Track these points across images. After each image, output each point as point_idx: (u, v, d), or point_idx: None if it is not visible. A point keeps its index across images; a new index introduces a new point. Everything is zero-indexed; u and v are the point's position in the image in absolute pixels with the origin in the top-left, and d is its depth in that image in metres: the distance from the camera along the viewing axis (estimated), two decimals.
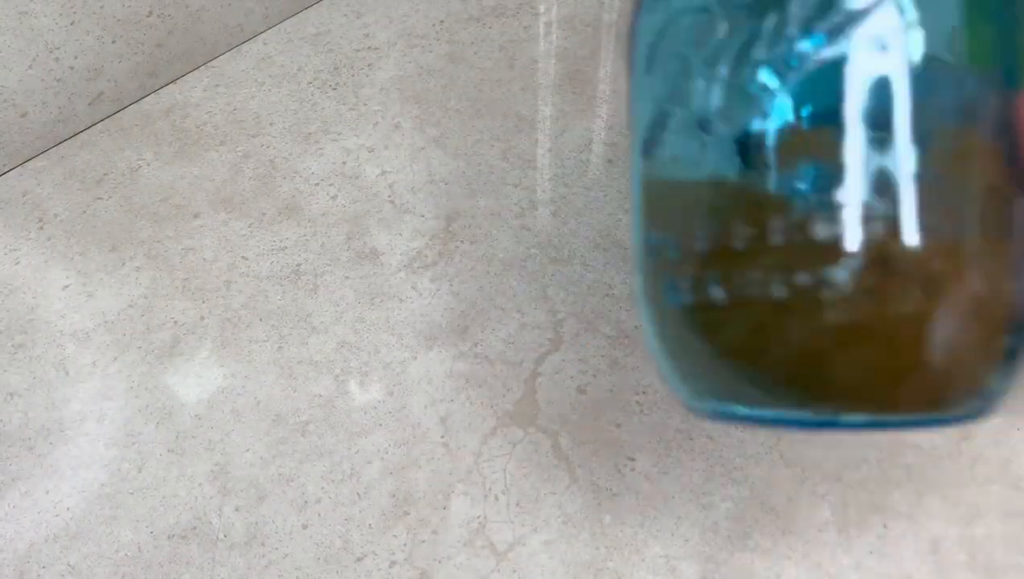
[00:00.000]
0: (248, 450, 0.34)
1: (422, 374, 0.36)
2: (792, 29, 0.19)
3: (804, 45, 0.19)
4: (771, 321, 0.19)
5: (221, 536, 0.32)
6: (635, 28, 0.23)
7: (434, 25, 0.56)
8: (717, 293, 0.20)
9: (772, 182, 0.19)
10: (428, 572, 0.30)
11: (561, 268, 0.41)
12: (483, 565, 0.31)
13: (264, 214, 0.44)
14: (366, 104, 0.50)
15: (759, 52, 0.19)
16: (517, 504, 0.32)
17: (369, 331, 0.38)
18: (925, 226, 0.18)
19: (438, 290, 0.40)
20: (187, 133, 0.49)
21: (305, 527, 0.32)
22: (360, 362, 0.37)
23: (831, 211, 0.18)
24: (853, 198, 0.18)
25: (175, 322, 0.39)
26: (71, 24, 0.46)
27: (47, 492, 0.34)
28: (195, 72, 0.53)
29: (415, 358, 0.37)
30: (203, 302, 0.40)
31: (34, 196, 0.46)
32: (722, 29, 0.20)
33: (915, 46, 0.19)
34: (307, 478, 0.33)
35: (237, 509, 0.33)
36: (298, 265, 0.41)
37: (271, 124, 0.49)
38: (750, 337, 0.20)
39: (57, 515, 0.33)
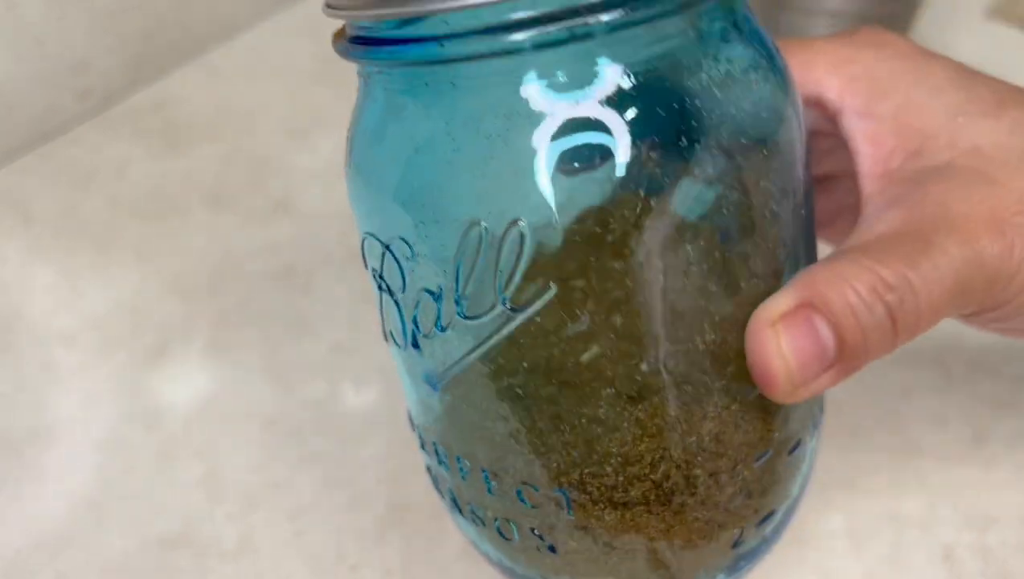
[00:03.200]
0: (239, 455, 0.33)
1: None
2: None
3: None
4: None
5: (212, 544, 0.31)
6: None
7: None
8: None
9: None
10: None
11: None
12: (482, 575, 0.30)
13: (256, 211, 0.43)
14: None
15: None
16: None
17: (364, 332, 0.37)
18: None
19: None
20: (177, 128, 0.48)
21: (297, 535, 0.31)
22: (354, 365, 0.36)
23: None
24: None
25: (164, 323, 0.38)
26: (59, 17, 0.45)
27: (33, 498, 0.33)
28: (185, 65, 0.52)
29: None
30: (193, 302, 0.39)
31: (20, 193, 0.45)
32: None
33: None
34: (300, 485, 0.32)
35: (228, 516, 0.32)
36: (290, 264, 0.40)
37: (263, 118, 0.48)
38: None
39: (44, 521, 0.32)
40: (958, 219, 0.18)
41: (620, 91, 0.17)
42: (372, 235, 0.21)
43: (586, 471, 0.20)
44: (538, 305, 0.18)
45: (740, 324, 0.18)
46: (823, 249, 0.23)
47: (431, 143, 0.19)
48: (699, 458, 0.20)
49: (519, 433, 0.20)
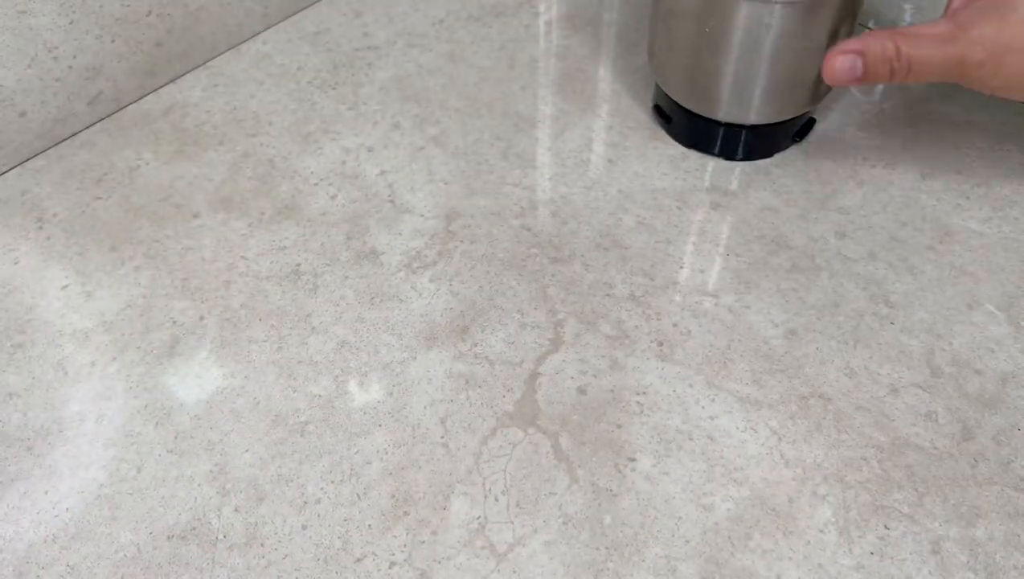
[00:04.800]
0: (247, 450, 0.34)
1: (422, 374, 0.36)
2: None
3: None
4: None
5: (220, 537, 0.32)
6: None
7: (434, 24, 0.56)
8: None
9: None
10: (428, 573, 0.30)
11: (561, 268, 0.41)
12: (483, 566, 0.31)
13: (263, 214, 0.44)
14: (366, 103, 0.50)
15: None
16: (517, 505, 0.32)
17: (369, 331, 0.38)
18: None
19: (438, 290, 0.40)
20: (186, 132, 0.49)
21: (304, 528, 0.32)
22: (360, 362, 0.37)
23: None
24: None
25: (174, 322, 0.39)
26: (70, 23, 0.46)
27: (46, 493, 0.34)
28: (194, 71, 0.53)
29: (415, 358, 0.37)
30: (202, 302, 0.40)
31: (33, 196, 0.46)
32: None
33: None
34: (306, 478, 0.33)
35: (236, 510, 0.33)
36: (297, 265, 0.41)
37: (270, 123, 0.49)
38: None
39: (56, 516, 0.33)
40: (970, 33, 0.35)
41: None
42: None
43: None
44: None
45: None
46: None
47: None
48: None
49: None
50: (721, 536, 0.31)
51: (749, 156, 0.45)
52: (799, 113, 0.44)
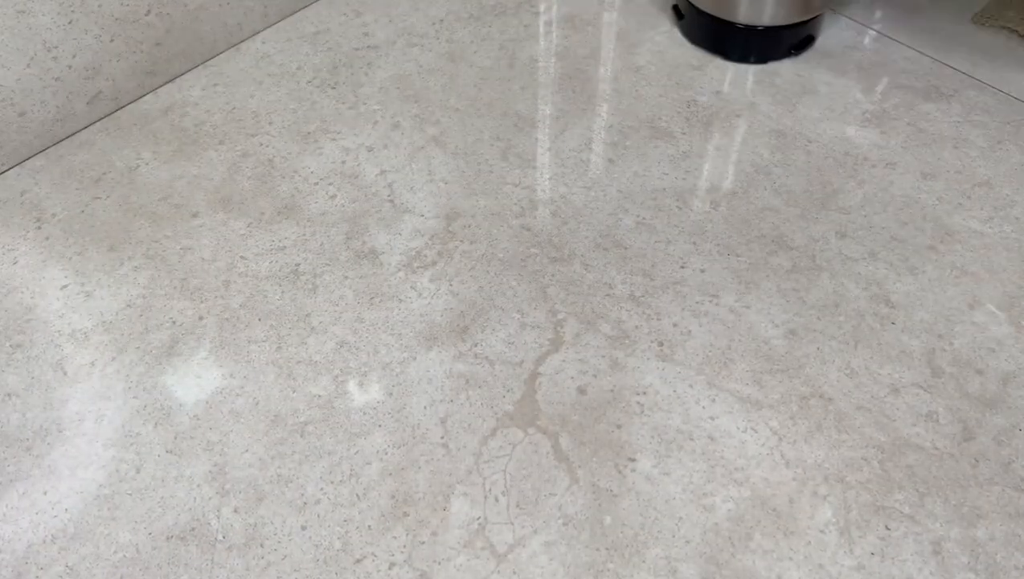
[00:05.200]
0: (247, 451, 0.34)
1: (422, 374, 0.36)
2: None
3: None
4: None
5: (220, 537, 0.32)
6: None
7: (433, 24, 0.56)
8: None
9: None
10: (428, 574, 0.30)
11: (561, 268, 0.40)
12: (483, 566, 0.30)
13: (263, 214, 0.44)
14: (365, 103, 0.50)
15: None
16: (517, 505, 0.32)
17: (368, 331, 0.38)
18: None
19: (438, 290, 0.40)
20: (186, 132, 0.49)
21: (304, 528, 0.32)
22: (359, 362, 0.37)
23: None
24: None
25: (173, 322, 0.39)
26: (69, 23, 0.46)
27: (45, 493, 0.34)
28: (194, 71, 0.53)
29: (414, 358, 0.37)
30: (202, 302, 0.40)
31: (32, 195, 0.46)
32: None
33: None
34: (306, 479, 0.33)
35: (236, 510, 0.32)
36: (297, 265, 0.41)
37: (270, 123, 0.49)
38: None
39: (55, 516, 0.33)
40: None
41: None
42: None
43: None
44: None
45: None
46: None
47: None
48: None
49: None
50: (722, 536, 0.31)
51: (755, 60, 0.51)
52: (803, 19, 0.49)
